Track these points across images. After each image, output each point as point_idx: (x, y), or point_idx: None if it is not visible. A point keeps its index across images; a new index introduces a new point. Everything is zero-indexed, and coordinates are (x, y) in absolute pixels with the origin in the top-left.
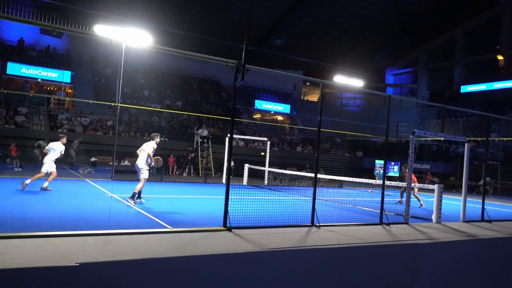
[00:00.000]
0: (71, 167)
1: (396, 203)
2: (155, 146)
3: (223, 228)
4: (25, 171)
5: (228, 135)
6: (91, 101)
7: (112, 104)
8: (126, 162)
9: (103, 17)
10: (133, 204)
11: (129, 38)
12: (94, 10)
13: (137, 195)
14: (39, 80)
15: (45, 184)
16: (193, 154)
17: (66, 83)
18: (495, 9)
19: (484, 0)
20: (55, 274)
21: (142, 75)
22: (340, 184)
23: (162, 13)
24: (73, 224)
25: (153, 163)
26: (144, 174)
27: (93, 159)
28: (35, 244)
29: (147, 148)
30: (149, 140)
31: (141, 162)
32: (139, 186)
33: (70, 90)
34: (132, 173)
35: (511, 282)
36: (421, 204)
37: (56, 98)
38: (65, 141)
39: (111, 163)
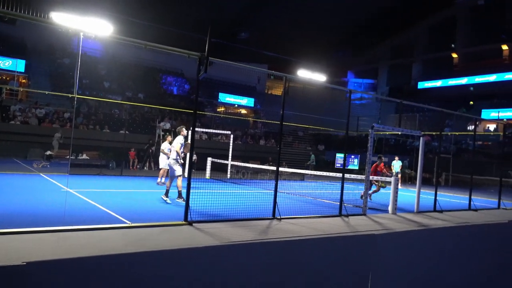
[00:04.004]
0: (24, 161)
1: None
2: (182, 142)
3: (184, 222)
4: None
5: (191, 128)
6: (46, 92)
7: (70, 95)
8: (84, 156)
9: (60, 4)
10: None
11: (87, 27)
12: None
13: (178, 194)
14: None
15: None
16: (154, 147)
17: (20, 72)
18: (451, 10)
19: (441, 1)
20: None
21: (102, 65)
22: (302, 177)
23: (124, 2)
24: (27, 221)
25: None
26: (177, 171)
27: (48, 152)
28: None
29: (175, 145)
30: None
31: (170, 159)
32: (178, 184)
33: (24, 80)
34: (89, 167)
35: (460, 270)
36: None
37: (8, 88)
38: (170, 139)
39: (68, 156)
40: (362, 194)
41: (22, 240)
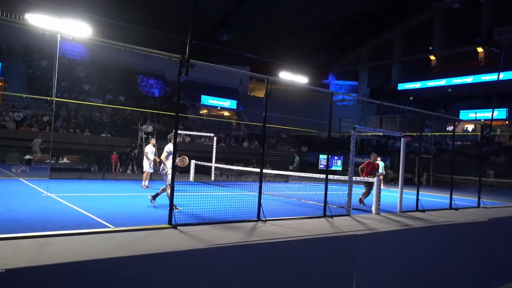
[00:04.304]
0: (2, 165)
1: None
2: (169, 150)
3: (168, 225)
4: None
5: (173, 130)
6: (24, 95)
7: (48, 98)
8: (65, 160)
9: (36, 5)
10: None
11: (65, 29)
12: None
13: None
14: None
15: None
16: (137, 150)
17: None
18: (428, 12)
19: (418, 3)
20: None
21: (81, 68)
22: (286, 178)
23: (103, 3)
24: (5, 227)
25: (178, 163)
26: (166, 179)
27: (27, 156)
28: None
29: (163, 156)
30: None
31: (161, 167)
32: (167, 191)
33: (0, 83)
34: (70, 171)
35: (443, 268)
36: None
37: None
38: (154, 142)
39: (48, 160)
40: (360, 197)
41: (1, 247)
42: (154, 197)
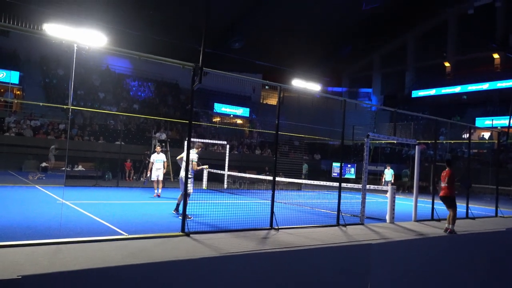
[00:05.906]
0: (19, 173)
1: None
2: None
3: (181, 233)
4: None
5: (187, 138)
6: (41, 104)
7: (64, 106)
8: (80, 167)
9: (53, 15)
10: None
11: (81, 38)
12: (43, 7)
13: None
14: None
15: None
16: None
17: (14, 84)
18: (441, 17)
19: (431, 8)
20: None
21: (97, 76)
22: (299, 186)
23: (117, 13)
24: (21, 234)
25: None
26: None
27: (43, 164)
28: None
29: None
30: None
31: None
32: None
33: (18, 92)
34: (85, 179)
35: (459, 278)
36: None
37: (2, 100)
38: (160, 149)
39: (63, 168)
40: None
41: (17, 253)
42: (176, 209)
